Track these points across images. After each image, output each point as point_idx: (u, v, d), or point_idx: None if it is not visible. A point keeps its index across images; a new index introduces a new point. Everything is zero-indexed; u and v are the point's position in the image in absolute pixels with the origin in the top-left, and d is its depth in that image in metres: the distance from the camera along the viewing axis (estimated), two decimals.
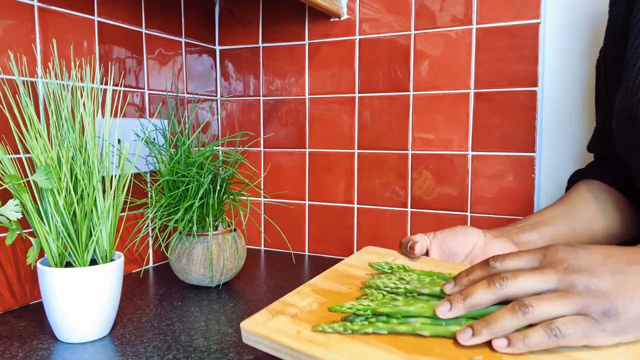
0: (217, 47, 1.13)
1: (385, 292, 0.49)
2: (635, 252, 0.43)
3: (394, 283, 0.50)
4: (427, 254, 0.60)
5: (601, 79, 0.72)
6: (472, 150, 0.92)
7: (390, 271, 0.54)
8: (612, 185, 0.70)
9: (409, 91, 0.96)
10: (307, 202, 1.08)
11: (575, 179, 0.75)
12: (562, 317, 0.40)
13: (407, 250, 0.59)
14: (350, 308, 0.46)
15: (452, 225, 0.94)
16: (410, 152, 0.97)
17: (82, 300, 0.62)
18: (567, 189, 0.76)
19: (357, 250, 1.03)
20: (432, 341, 0.43)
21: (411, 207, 0.98)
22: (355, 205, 1.03)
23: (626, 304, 0.40)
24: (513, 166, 0.90)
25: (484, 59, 0.90)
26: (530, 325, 0.41)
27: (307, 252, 1.09)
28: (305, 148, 1.07)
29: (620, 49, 0.62)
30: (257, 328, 0.45)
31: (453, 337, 0.43)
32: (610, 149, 0.71)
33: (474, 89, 0.91)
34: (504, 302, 0.43)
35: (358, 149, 1.02)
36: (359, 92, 1.01)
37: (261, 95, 1.10)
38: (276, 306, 0.49)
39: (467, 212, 0.93)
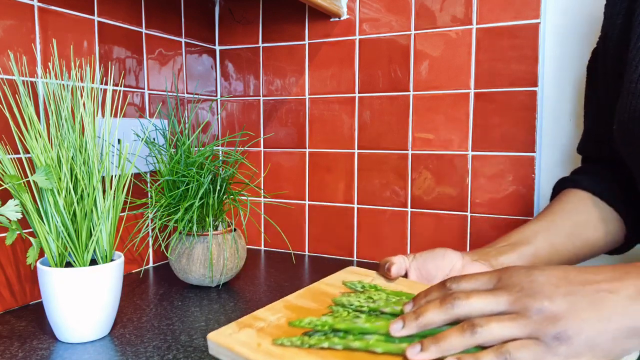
0: (217, 47, 1.13)
1: (350, 310, 0.50)
2: (591, 271, 0.42)
3: (359, 301, 0.51)
4: (405, 275, 0.61)
5: (592, 81, 0.71)
6: (472, 150, 0.92)
7: (361, 290, 0.56)
8: (596, 194, 0.68)
9: (409, 91, 0.96)
10: (307, 202, 1.08)
11: (559, 188, 0.74)
12: (513, 340, 0.40)
13: (384, 270, 0.59)
14: (309, 323, 0.48)
15: (452, 225, 0.94)
16: (410, 152, 0.97)
17: (82, 300, 0.62)
18: (552, 197, 0.75)
19: (356, 250, 1.03)
20: (384, 358, 0.43)
21: (411, 207, 0.98)
22: (355, 205, 1.03)
23: (578, 327, 0.39)
24: (513, 166, 0.90)
25: (484, 59, 0.90)
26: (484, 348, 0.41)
27: (307, 252, 1.09)
28: (305, 148, 1.07)
29: (621, 50, 0.62)
30: (221, 339, 0.47)
31: (404, 355, 0.43)
32: (599, 152, 0.71)
33: (474, 89, 0.91)
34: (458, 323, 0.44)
35: (358, 149, 1.02)
36: (359, 92, 1.01)
37: (261, 95, 1.10)
38: (246, 320, 0.50)
39: (467, 212, 0.93)
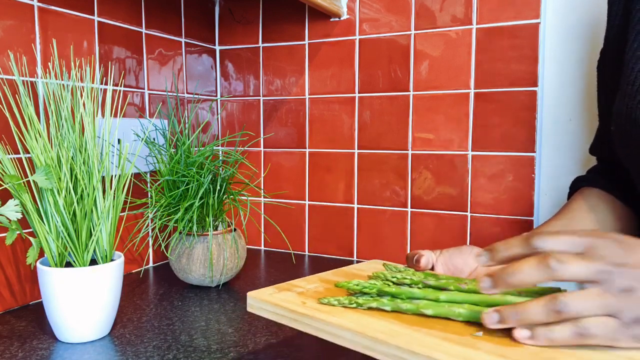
0: (217, 47, 1.13)
1: (391, 282, 0.50)
2: None
3: (399, 277, 0.51)
4: (432, 269, 0.61)
5: (600, 81, 0.71)
6: (472, 150, 0.92)
7: (398, 270, 0.56)
8: (611, 192, 0.69)
9: (409, 91, 0.96)
10: (307, 202, 1.08)
11: (575, 186, 0.74)
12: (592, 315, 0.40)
13: (413, 263, 0.60)
14: (357, 285, 0.48)
15: (452, 225, 0.94)
16: (410, 152, 0.97)
17: (82, 300, 0.62)
18: (569, 195, 0.75)
19: (356, 250, 1.03)
20: (434, 321, 0.44)
21: (411, 207, 0.98)
22: (355, 205, 1.03)
23: None
24: (513, 166, 0.90)
25: (484, 59, 0.90)
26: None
27: (307, 252, 1.09)
28: (305, 148, 1.07)
29: (619, 51, 0.62)
30: (264, 297, 0.48)
31: (455, 319, 0.44)
32: (611, 152, 0.71)
33: (474, 89, 0.91)
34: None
35: (358, 149, 1.02)
36: (359, 92, 1.01)
37: (261, 95, 1.10)
38: (283, 285, 0.51)
39: (467, 212, 0.93)
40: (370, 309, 0.46)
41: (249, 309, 0.49)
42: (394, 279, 0.50)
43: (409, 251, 0.98)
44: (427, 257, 0.60)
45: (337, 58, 1.02)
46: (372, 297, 0.47)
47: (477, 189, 0.92)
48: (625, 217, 0.68)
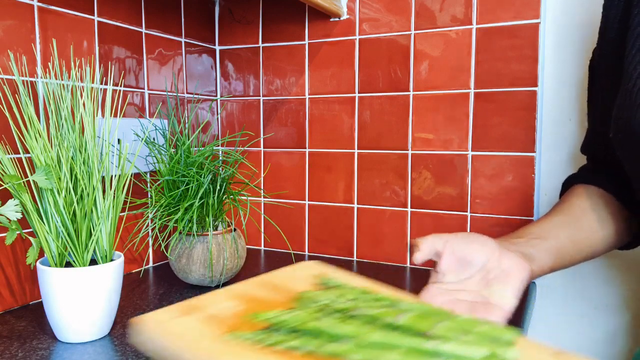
0: (217, 47, 1.13)
1: (318, 309, 0.42)
2: None
3: (331, 299, 0.43)
4: (439, 257, 0.55)
5: (594, 81, 0.71)
6: (472, 150, 0.92)
7: (330, 286, 0.48)
8: (608, 190, 0.69)
9: (409, 91, 0.96)
10: (307, 202, 1.08)
11: (569, 184, 0.74)
12: None
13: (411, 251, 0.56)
14: (272, 317, 0.40)
15: (452, 225, 0.94)
16: (410, 151, 0.97)
17: (82, 300, 0.62)
18: (562, 192, 0.75)
19: (356, 250, 1.03)
20: None
21: (411, 207, 0.98)
22: (355, 205, 1.03)
23: None
24: (513, 166, 0.90)
25: (483, 59, 0.90)
26: None
27: (307, 252, 1.09)
28: (305, 148, 1.07)
29: (615, 55, 0.62)
30: (153, 325, 0.39)
31: None
32: (603, 151, 0.71)
33: (474, 89, 0.91)
34: None
35: (358, 149, 1.02)
36: (359, 92, 1.01)
37: (261, 95, 1.10)
38: (188, 304, 0.43)
39: (467, 212, 0.93)
40: (288, 348, 0.37)
41: (133, 341, 0.39)
42: (323, 303, 0.42)
43: (408, 252, 0.98)
44: (427, 248, 0.54)
45: (337, 58, 1.02)
46: (287, 334, 0.38)
47: (477, 188, 0.92)
48: (621, 216, 0.69)
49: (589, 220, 0.67)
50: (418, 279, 0.91)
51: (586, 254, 0.66)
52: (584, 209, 0.68)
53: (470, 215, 0.93)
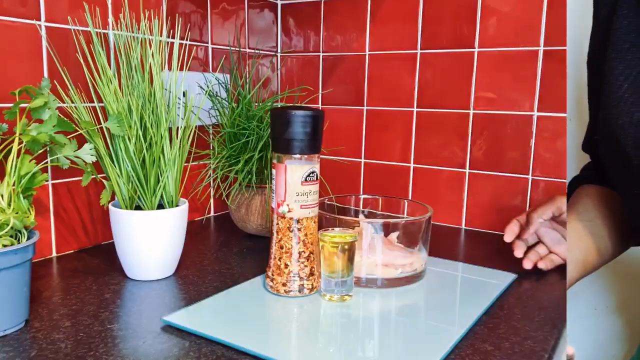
0: (279, 2, 1.13)
1: None
2: None
3: None
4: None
5: (591, 78, 0.69)
6: (538, 111, 0.89)
7: None
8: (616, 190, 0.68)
9: (474, 48, 0.93)
10: (362, 160, 1.08)
11: (576, 186, 0.73)
12: None
13: None
14: None
15: (511, 188, 0.92)
16: (472, 111, 0.95)
17: (149, 241, 0.66)
18: (569, 193, 0.73)
19: None
20: None
21: (469, 169, 0.96)
22: (412, 165, 1.02)
23: None
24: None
25: (555, 15, 0.85)
26: None
27: (361, 209, 1.09)
28: (364, 106, 1.06)
29: (603, 58, 0.60)
30: None
31: None
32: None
33: (544, 47, 0.87)
34: None
35: (417, 108, 1.00)
36: (421, 49, 0.98)
37: (321, 51, 1.10)
38: None
39: (528, 174, 0.91)
40: None
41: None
42: None
43: (464, 213, 0.97)
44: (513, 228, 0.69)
45: (399, 13, 0.99)
46: None
47: (541, 151, 0.89)
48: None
49: (611, 222, 0.67)
50: (472, 239, 0.91)
51: (612, 253, 0.67)
52: (605, 216, 0.68)
53: (532, 179, 0.91)
